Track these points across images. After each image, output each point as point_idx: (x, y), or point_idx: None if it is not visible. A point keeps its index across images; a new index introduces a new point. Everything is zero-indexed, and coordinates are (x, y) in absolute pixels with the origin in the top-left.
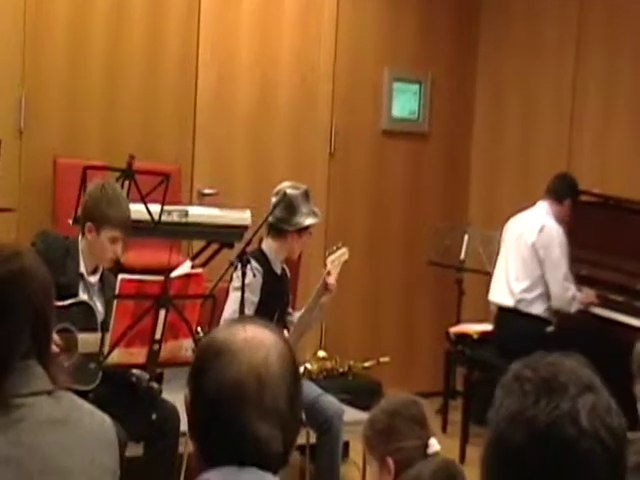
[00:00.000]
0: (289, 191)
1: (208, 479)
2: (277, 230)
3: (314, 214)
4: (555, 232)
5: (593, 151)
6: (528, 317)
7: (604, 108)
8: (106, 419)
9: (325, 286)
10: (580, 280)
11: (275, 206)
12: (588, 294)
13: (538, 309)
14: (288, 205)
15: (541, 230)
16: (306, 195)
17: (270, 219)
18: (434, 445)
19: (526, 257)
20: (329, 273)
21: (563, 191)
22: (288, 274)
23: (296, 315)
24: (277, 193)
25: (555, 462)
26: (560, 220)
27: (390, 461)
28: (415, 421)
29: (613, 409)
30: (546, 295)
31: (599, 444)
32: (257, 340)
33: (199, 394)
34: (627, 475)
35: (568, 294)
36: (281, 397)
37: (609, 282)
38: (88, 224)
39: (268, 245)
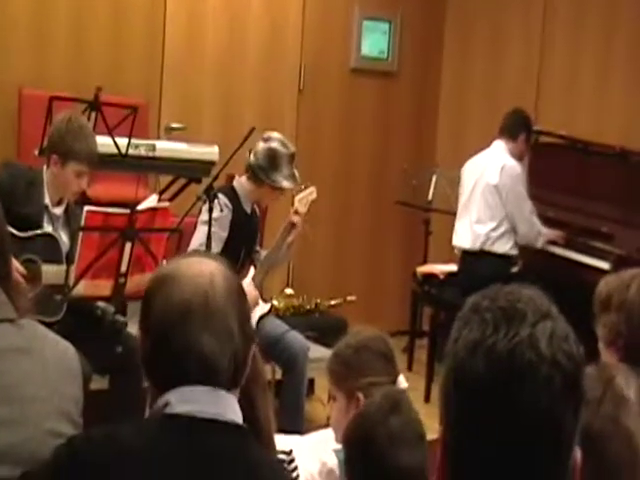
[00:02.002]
0: (276, 146)
1: (167, 400)
2: (254, 175)
3: (293, 178)
4: (515, 170)
5: (561, 92)
6: (493, 257)
7: (573, 50)
8: (70, 348)
9: (291, 224)
10: (547, 222)
11: (244, 142)
12: (555, 233)
13: (504, 247)
14: (271, 158)
15: (502, 170)
16: (292, 157)
17: (252, 160)
18: (402, 382)
19: (489, 199)
20: (296, 212)
21: (516, 127)
22: (258, 213)
23: (263, 253)
24: (266, 139)
25: (515, 388)
26: (517, 157)
27: (361, 396)
28: (384, 357)
29: (571, 336)
30: (512, 232)
31: (558, 370)
32: (201, 265)
33: (147, 322)
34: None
35: (534, 230)
36: (231, 317)
37: (575, 224)
38: (53, 156)
39: (241, 184)
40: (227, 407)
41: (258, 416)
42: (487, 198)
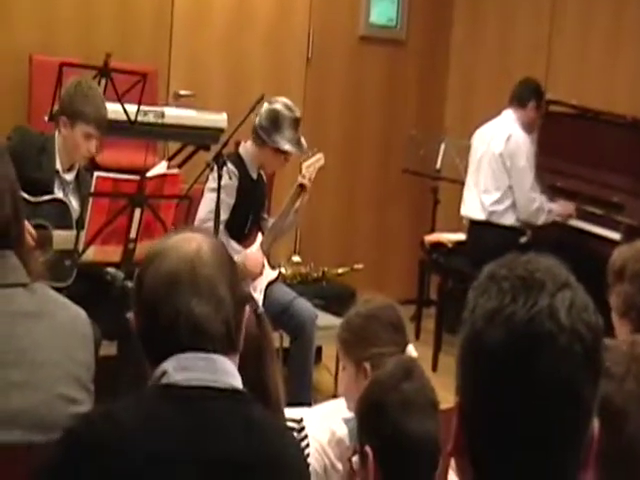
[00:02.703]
0: (279, 107)
1: (164, 368)
2: (257, 137)
3: (298, 144)
4: (522, 141)
5: (571, 62)
6: (501, 228)
7: (583, 19)
8: (81, 313)
9: (300, 186)
10: (555, 191)
11: (252, 109)
12: (566, 206)
13: (510, 219)
14: (274, 120)
15: (508, 139)
16: (296, 122)
17: (256, 122)
18: (411, 352)
19: (494, 168)
20: (304, 176)
21: (525, 94)
22: (264, 179)
23: (271, 221)
24: (271, 102)
25: (534, 358)
26: (526, 126)
27: (367, 366)
28: (393, 326)
29: (590, 306)
30: (516, 207)
31: (577, 339)
32: (188, 237)
33: (139, 295)
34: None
35: (534, 205)
36: (220, 283)
37: (584, 194)
38: (63, 118)
39: (246, 149)
40: (224, 372)
41: (267, 383)
42: (493, 168)
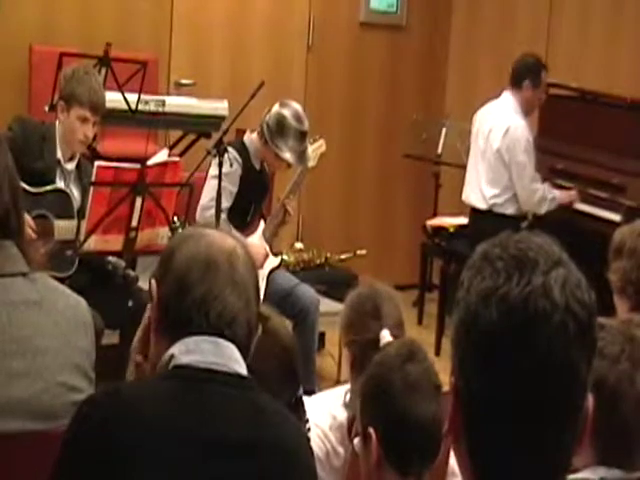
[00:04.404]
0: (288, 115)
1: (172, 353)
2: (262, 133)
3: (300, 157)
4: (520, 133)
5: (571, 44)
6: (502, 217)
7: (583, 1)
8: (81, 301)
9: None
10: (557, 174)
11: (253, 96)
12: (570, 194)
13: (511, 210)
14: (280, 125)
15: (506, 133)
16: (302, 134)
17: (265, 119)
18: (385, 337)
19: (492, 163)
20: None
21: (520, 74)
22: (267, 171)
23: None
24: (282, 104)
25: (528, 336)
26: (525, 107)
27: (348, 351)
28: (369, 315)
29: (583, 283)
30: (516, 197)
31: (571, 317)
32: (223, 235)
33: (169, 268)
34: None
35: (536, 196)
36: (249, 285)
37: (585, 176)
38: (60, 103)
39: (251, 139)
40: (231, 358)
41: None
42: (492, 163)
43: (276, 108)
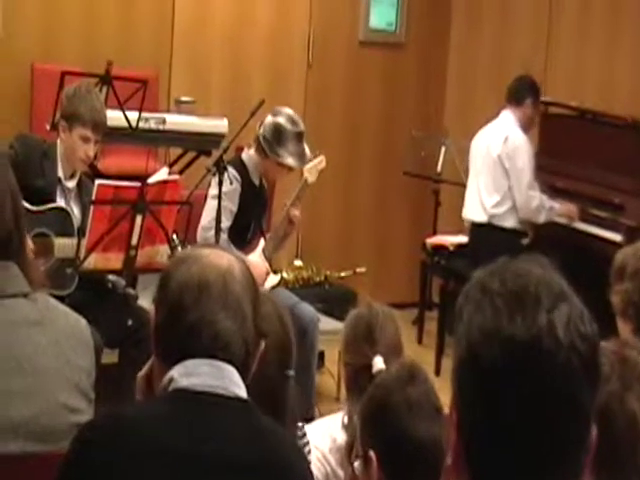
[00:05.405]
0: (282, 121)
1: (171, 375)
2: (260, 148)
3: (300, 157)
4: (519, 141)
5: (569, 63)
6: (502, 231)
7: (582, 20)
8: (81, 320)
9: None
10: (556, 193)
11: (253, 114)
12: (570, 208)
13: (511, 222)
14: (277, 133)
15: (505, 140)
16: (299, 135)
17: (259, 132)
18: (377, 364)
19: (493, 171)
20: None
21: (521, 92)
22: (266, 186)
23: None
24: (274, 113)
25: (533, 377)
26: (524, 124)
27: (344, 371)
28: (364, 340)
29: (585, 315)
30: (516, 208)
31: (575, 354)
32: (220, 253)
33: (164, 294)
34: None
35: (533, 203)
36: (245, 304)
37: (586, 195)
38: (62, 122)
39: (249, 156)
40: (230, 381)
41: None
42: (492, 171)
43: (269, 119)
